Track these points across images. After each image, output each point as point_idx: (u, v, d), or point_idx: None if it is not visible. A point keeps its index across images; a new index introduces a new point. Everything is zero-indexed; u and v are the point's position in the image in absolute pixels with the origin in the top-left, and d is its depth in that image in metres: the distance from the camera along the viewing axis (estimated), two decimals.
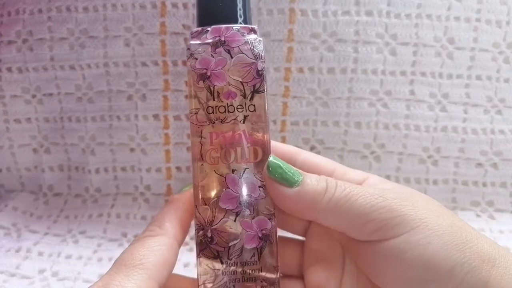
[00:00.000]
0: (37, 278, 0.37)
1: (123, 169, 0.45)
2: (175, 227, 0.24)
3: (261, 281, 0.24)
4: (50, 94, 0.44)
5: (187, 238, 0.42)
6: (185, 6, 0.41)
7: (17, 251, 0.40)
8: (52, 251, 0.40)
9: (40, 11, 0.42)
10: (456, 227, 0.22)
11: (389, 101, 0.42)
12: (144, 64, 0.42)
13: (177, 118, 0.43)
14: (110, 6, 0.41)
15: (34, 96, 0.44)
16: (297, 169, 0.24)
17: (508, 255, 0.22)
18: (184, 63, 0.42)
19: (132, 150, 0.44)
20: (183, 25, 0.41)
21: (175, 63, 0.42)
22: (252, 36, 0.24)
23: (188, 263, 0.39)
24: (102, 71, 0.42)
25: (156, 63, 0.42)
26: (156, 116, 0.43)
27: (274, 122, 0.43)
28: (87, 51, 0.42)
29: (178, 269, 0.31)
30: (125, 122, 0.43)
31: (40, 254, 0.40)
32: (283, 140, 0.43)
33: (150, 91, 0.43)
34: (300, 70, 0.42)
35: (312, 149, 0.43)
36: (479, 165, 0.43)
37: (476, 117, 0.42)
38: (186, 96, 0.43)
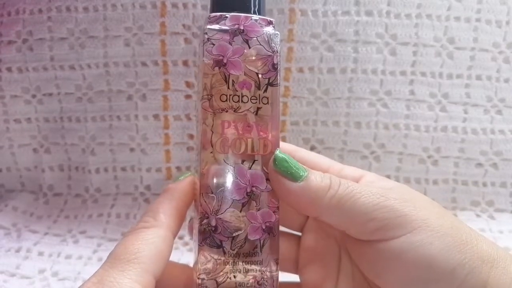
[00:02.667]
0: (37, 278, 0.37)
1: (123, 169, 0.45)
2: (170, 218, 0.24)
3: (261, 273, 0.24)
4: (50, 94, 0.44)
5: (187, 238, 0.42)
6: (185, 6, 0.41)
7: (17, 251, 0.40)
8: (52, 251, 0.40)
9: (40, 11, 0.42)
10: (456, 228, 0.22)
11: (389, 101, 0.42)
12: (144, 64, 0.42)
13: (177, 118, 0.43)
14: (110, 6, 0.41)
15: (34, 96, 0.44)
16: (302, 165, 0.24)
17: (506, 255, 0.22)
18: (184, 63, 0.42)
19: (132, 150, 0.44)
20: (183, 25, 0.41)
21: (175, 63, 0.42)
22: (269, 29, 0.24)
23: (188, 262, 0.39)
24: (102, 71, 0.42)
25: (156, 63, 0.42)
26: (156, 116, 0.43)
27: None
28: (87, 51, 0.42)
29: None
30: (125, 122, 0.43)
31: (40, 254, 0.40)
32: (283, 140, 0.43)
33: (150, 91, 0.43)
34: (300, 70, 0.42)
35: (312, 149, 0.43)
36: (479, 165, 0.43)
37: (476, 117, 0.42)
38: (186, 96, 0.43)
